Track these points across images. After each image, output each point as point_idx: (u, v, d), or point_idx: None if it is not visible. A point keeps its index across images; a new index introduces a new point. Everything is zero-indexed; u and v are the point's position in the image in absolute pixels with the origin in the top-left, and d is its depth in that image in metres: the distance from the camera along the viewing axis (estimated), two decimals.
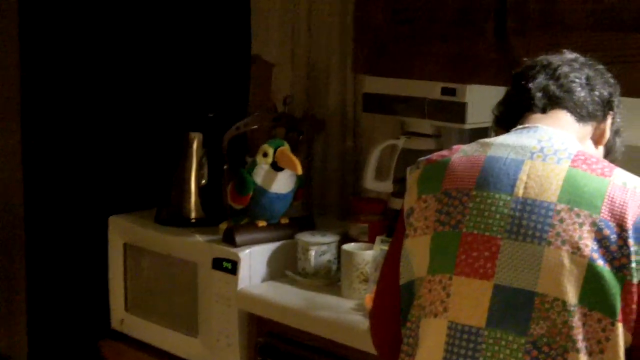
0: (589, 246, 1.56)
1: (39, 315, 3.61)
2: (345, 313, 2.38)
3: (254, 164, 2.71)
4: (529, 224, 1.58)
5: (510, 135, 1.72)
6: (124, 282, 3.06)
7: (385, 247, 2.41)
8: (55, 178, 3.61)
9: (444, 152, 1.74)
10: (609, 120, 1.83)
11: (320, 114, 3.17)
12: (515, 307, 1.56)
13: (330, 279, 2.62)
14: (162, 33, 3.72)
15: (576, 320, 1.56)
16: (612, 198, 1.60)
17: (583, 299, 1.55)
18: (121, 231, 3.04)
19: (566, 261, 1.56)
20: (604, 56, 2.02)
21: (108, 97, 3.64)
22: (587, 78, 1.80)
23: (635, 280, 1.56)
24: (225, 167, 2.75)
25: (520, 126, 1.74)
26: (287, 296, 2.53)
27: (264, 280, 2.66)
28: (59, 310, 3.63)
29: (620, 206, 1.60)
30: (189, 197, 2.97)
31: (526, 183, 1.61)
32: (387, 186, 2.79)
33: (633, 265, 1.56)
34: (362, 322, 2.29)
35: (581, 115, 1.78)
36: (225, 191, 2.75)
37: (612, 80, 1.85)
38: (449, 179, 1.66)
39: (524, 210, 1.59)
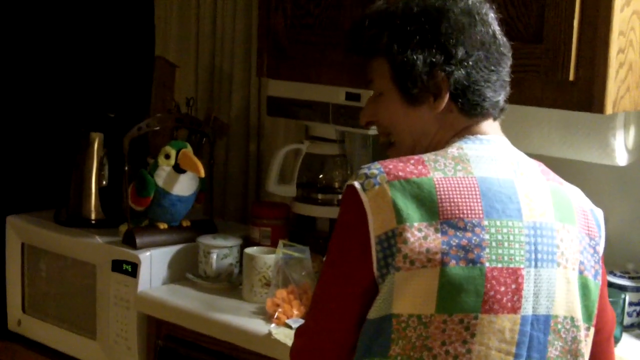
0: (579, 260, 1.59)
1: None
2: (246, 316, 2.37)
3: (155, 166, 2.69)
4: (542, 248, 1.55)
5: (472, 146, 1.61)
6: (21, 283, 3.01)
7: (288, 252, 2.43)
8: None
9: (407, 167, 1.55)
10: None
11: (224, 117, 3.16)
12: (537, 334, 1.55)
13: (231, 283, 2.61)
14: (64, 31, 3.66)
15: (581, 334, 1.60)
16: (581, 209, 1.64)
17: (583, 313, 1.60)
18: (19, 231, 2.98)
19: (572, 279, 1.58)
20: None
21: (5, 93, 3.57)
22: None
23: (601, 284, 1.64)
24: (126, 168, 2.72)
25: (472, 136, 1.63)
26: (188, 299, 2.52)
27: (164, 283, 2.64)
28: None
29: (585, 215, 1.64)
30: (89, 198, 2.93)
31: (528, 205, 1.56)
32: (290, 190, 2.80)
33: (600, 270, 1.63)
34: (263, 325, 2.29)
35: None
36: (126, 192, 2.73)
37: None
38: (447, 207, 1.51)
39: (536, 235, 1.55)
